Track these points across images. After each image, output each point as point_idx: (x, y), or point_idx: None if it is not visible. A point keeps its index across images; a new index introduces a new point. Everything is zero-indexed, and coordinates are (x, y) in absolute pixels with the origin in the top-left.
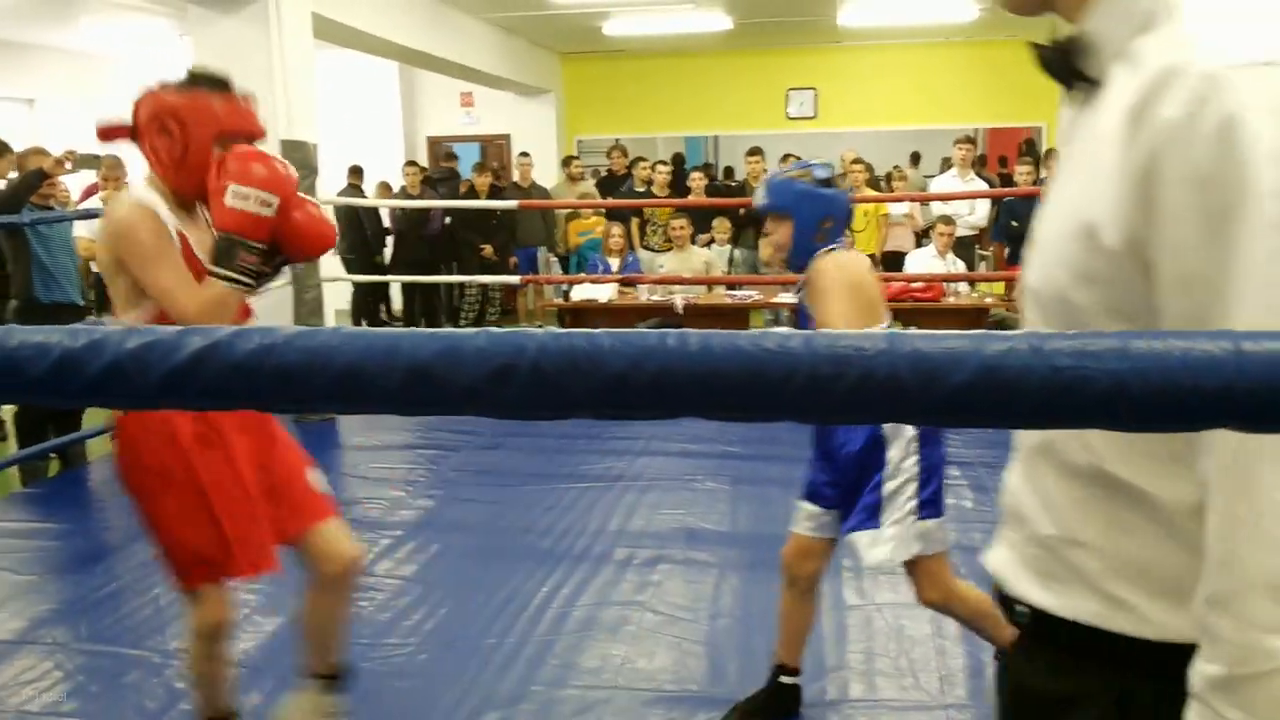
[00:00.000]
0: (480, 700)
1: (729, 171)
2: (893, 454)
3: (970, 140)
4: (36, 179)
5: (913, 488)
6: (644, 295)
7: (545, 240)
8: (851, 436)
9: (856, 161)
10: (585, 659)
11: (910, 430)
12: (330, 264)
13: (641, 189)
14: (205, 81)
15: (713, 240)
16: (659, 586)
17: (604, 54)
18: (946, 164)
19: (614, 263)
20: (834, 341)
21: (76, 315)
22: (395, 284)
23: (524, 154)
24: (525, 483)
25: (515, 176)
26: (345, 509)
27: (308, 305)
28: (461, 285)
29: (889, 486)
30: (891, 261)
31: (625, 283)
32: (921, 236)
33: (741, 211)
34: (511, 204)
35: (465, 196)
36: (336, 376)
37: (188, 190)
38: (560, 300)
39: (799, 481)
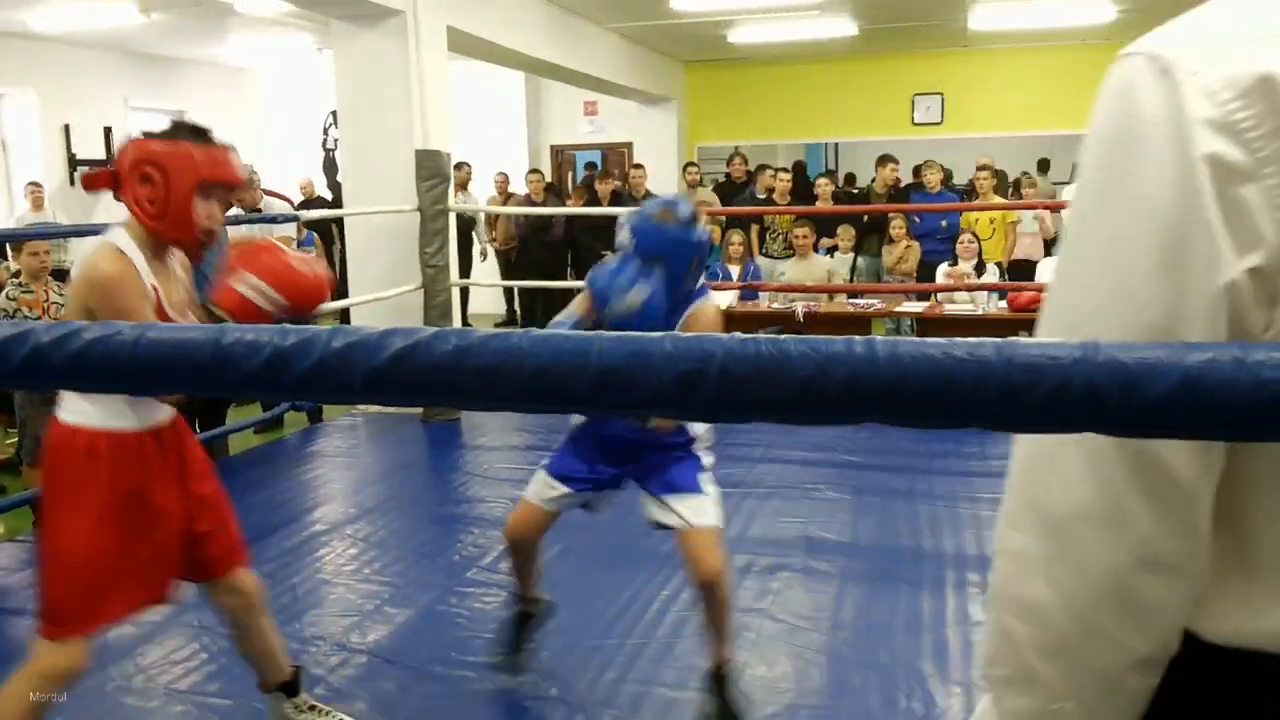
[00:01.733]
0: (601, 700)
1: (850, 178)
2: (701, 449)
3: None
4: None
5: (711, 459)
6: (764, 303)
7: None
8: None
9: (985, 168)
10: (705, 663)
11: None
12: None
13: (763, 196)
14: (187, 131)
15: (835, 248)
16: (779, 595)
17: (727, 61)
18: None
19: (734, 270)
20: (1027, 350)
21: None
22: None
23: (637, 165)
24: None
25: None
26: (468, 507)
27: (438, 308)
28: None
29: (705, 458)
30: (1020, 270)
31: (745, 290)
32: (1051, 245)
33: (866, 218)
34: (630, 210)
35: (588, 204)
36: (528, 377)
37: (166, 237)
38: None
39: (923, 494)
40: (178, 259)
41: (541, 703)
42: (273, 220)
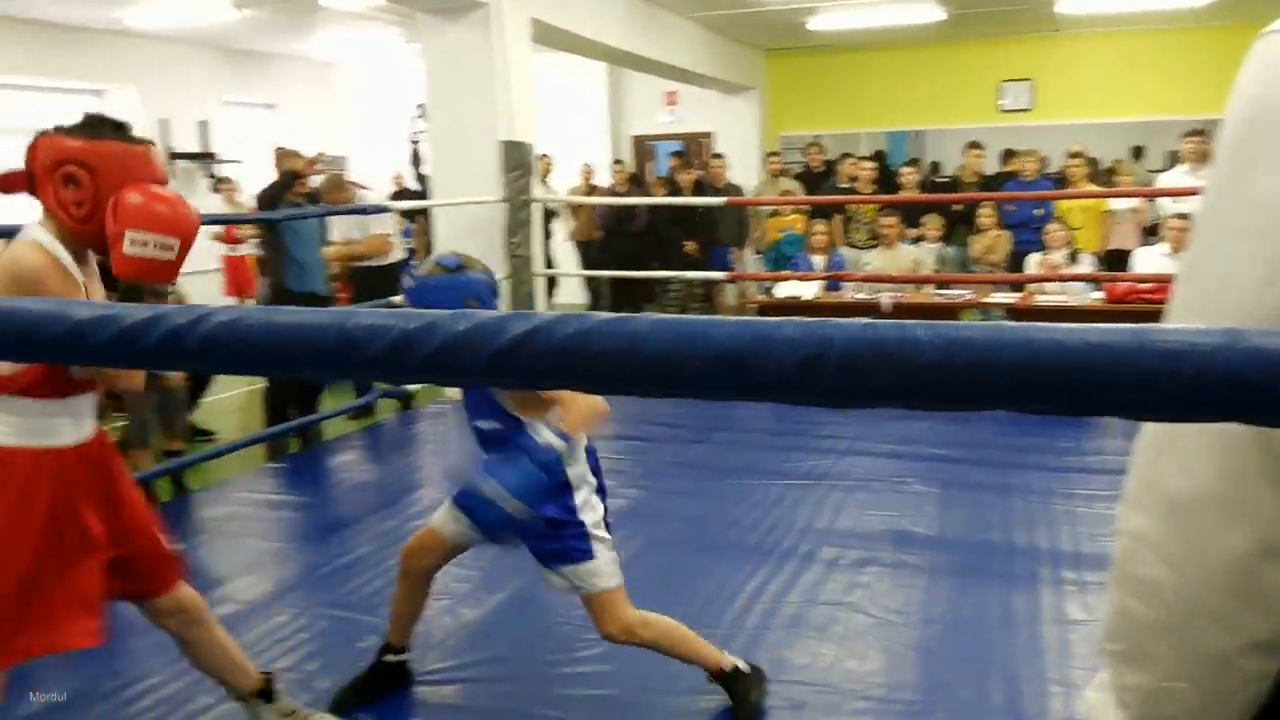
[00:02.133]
0: (689, 690)
1: (934, 167)
2: (581, 498)
3: (1201, 133)
4: (290, 179)
5: (600, 513)
6: (849, 293)
7: (737, 239)
8: (531, 462)
9: (1077, 155)
10: (794, 656)
11: (582, 454)
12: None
13: (846, 185)
14: (109, 127)
15: (921, 238)
16: (868, 588)
17: (809, 49)
18: (1173, 158)
19: (818, 260)
20: (1165, 336)
21: (320, 304)
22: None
23: (717, 155)
24: (730, 477)
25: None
26: None
27: (522, 298)
28: (664, 281)
29: (587, 516)
30: (1115, 260)
31: (831, 280)
32: (1148, 233)
33: (954, 208)
34: (719, 201)
35: (670, 194)
36: (649, 362)
37: (92, 240)
38: (763, 297)
39: (1016, 488)
40: (93, 256)
41: (627, 689)
42: (365, 212)
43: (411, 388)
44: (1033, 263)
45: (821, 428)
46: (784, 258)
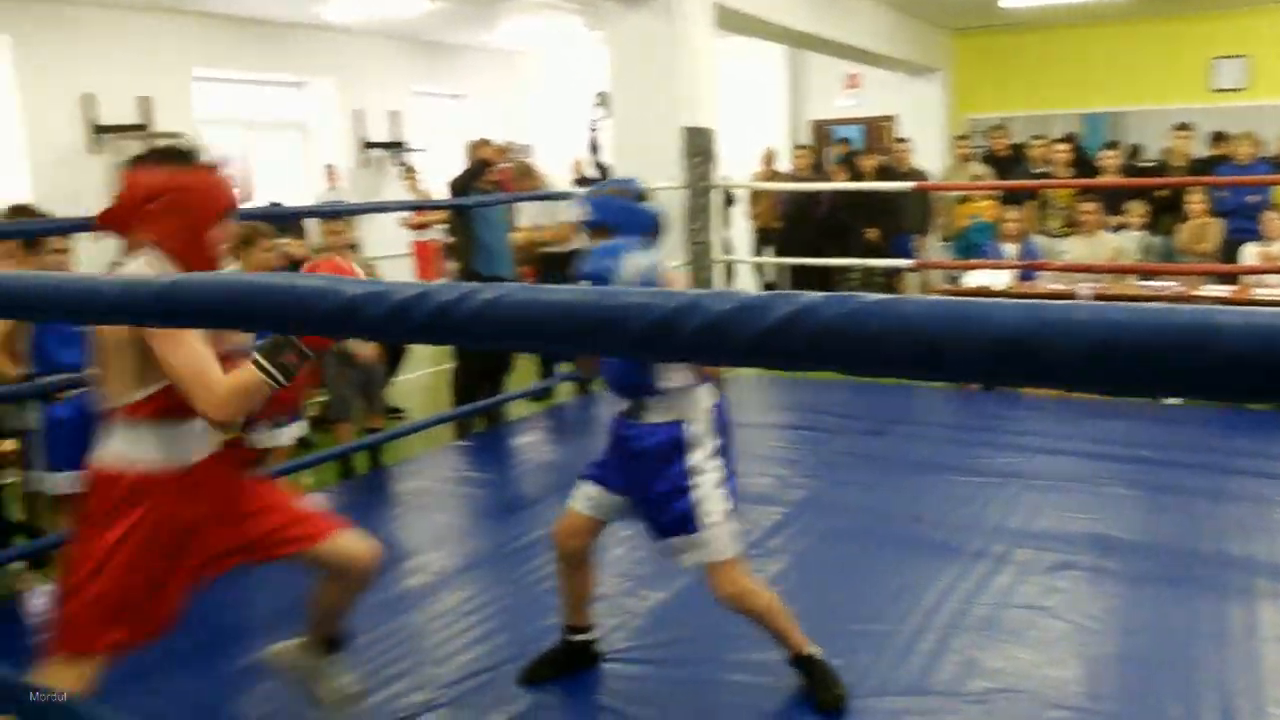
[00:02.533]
0: (875, 687)
1: (1134, 150)
2: (696, 459)
3: None
4: (480, 167)
5: (723, 490)
6: (1043, 283)
7: (921, 226)
8: (650, 435)
9: None
10: (987, 659)
11: (710, 436)
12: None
13: (1040, 169)
14: (179, 156)
15: (1123, 225)
16: (1066, 594)
17: (999, 28)
18: None
19: (1010, 248)
20: None
21: None
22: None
23: (901, 139)
24: (914, 471)
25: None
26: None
27: (702, 285)
28: (843, 269)
29: (698, 492)
30: None
31: (1025, 269)
32: None
33: (1159, 193)
34: (907, 185)
35: (853, 179)
36: (925, 344)
37: (196, 268)
38: (949, 287)
39: (1230, 494)
40: None
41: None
42: (550, 198)
43: None
44: (1249, 253)
45: (1012, 423)
46: (972, 246)
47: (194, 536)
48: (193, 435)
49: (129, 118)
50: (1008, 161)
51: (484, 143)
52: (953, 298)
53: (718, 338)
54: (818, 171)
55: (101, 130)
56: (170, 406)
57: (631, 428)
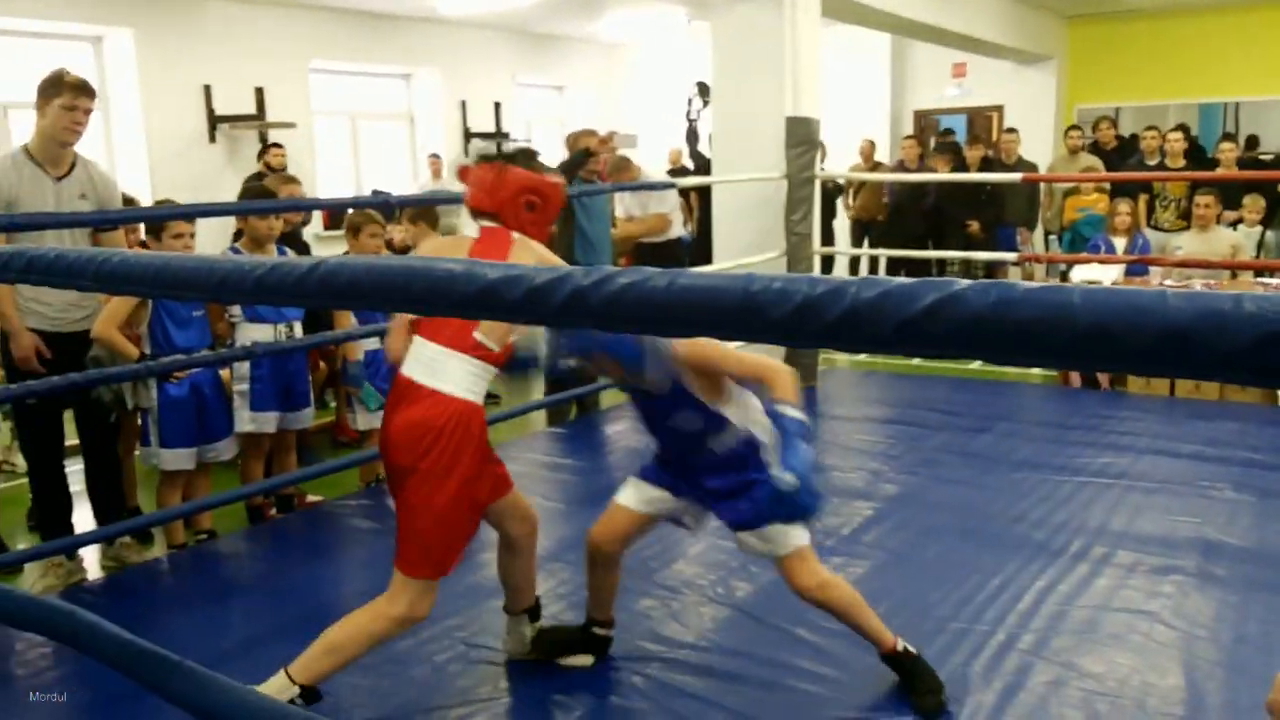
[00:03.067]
0: (974, 684)
1: (1252, 141)
2: (764, 456)
3: None
4: (583, 156)
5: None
6: (1155, 279)
7: (1026, 219)
8: (727, 436)
9: None
10: (1087, 662)
11: (770, 433)
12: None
13: (1153, 161)
14: (533, 159)
15: (1240, 220)
16: (1170, 599)
17: (1115, 15)
18: None
19: (1119, 242)
20: None
21: None
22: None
23: (1010, 130)
24: (1015, 470)
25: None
26: (823, 476)
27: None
28: (942, 262)
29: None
30: None
31: (1135, 265)
32: None
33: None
34: (1014, 177)
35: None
36: (1080, 333)
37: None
38: (1056, 281)
39: None
40: None
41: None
42: (652, 188)
43: None
44: None
45: (1117, 423)
46: (1081, 239)
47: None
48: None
49: (245, 108)
50: (1118, 153)
51: (588, 133)
52: (1112, 288)
53: (862, 324)
54: (925, 162)
55: (218, 120)
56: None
57: (696, 448)
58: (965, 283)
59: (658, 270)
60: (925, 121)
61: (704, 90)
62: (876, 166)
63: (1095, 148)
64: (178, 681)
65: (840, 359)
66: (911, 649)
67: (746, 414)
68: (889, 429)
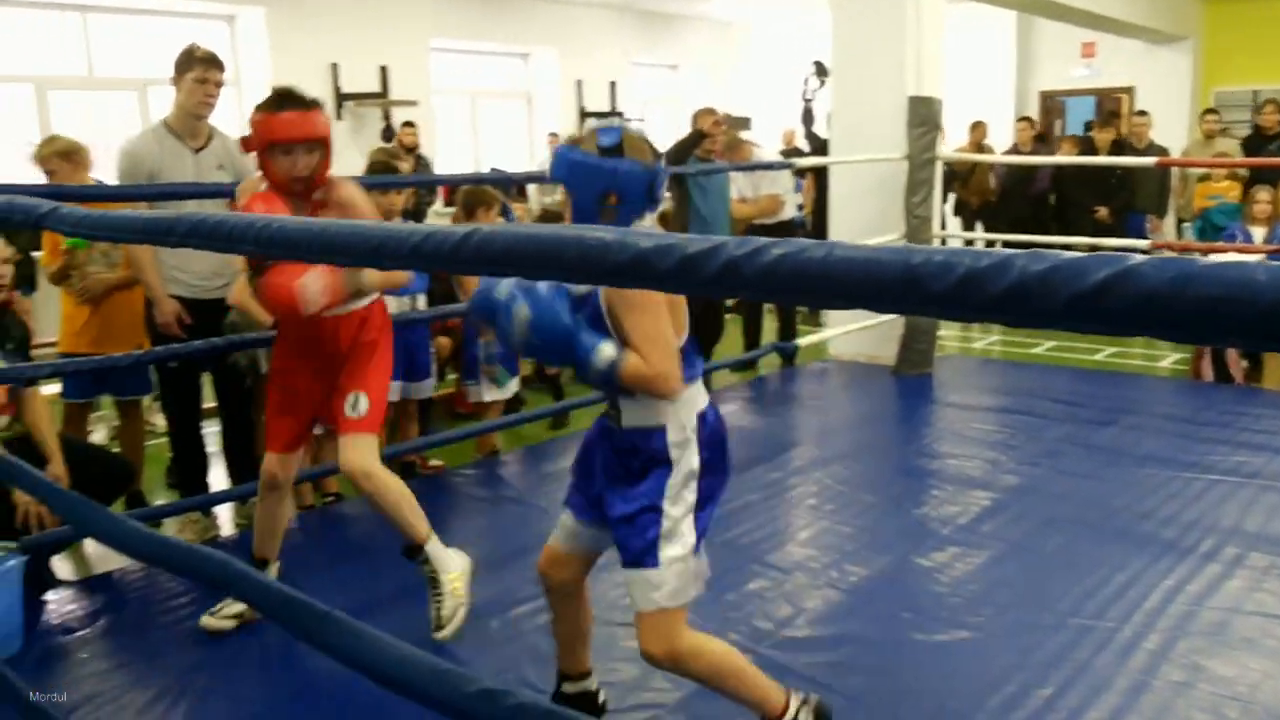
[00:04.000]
0: (1095, 684)
1: None
2: (674, 481)
3: None
4: (698, 137)
5: (689, 521)
6: None
7: (1157, 206)
8: (624, 440)
9: None
10: (1216, 666)
11: (694, 458)
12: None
13: None
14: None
15: None
16: None
17: None
18: None
19: (1258, 232)
20: None
21: None
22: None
23: (1140, 112)
24: (1142, 465)
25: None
26: (939, 463)
27: None
28: (1066, 248)
29: (668, 522)
30: None
31: (1275, 255)
32: None
33: None
34: (1148, 161)
35: (1084, 154)
36: (1263, 311)
37: None
38: None
39: None
40: None
41: (1024, 671)
42: (768, 168)
43: (799, 344)
44: None
45: (1251, 420)
46: (1213, 228)
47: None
48: None
49: (369, 86)
50: (1262, 140)
51: (708, 112)
52: None
53: (1028, 298)
54: (1041, 145)
55: (344, 98)
56: None
57: (608, 431)
58: (1139, 257)
59: (812, 242)
60: (1050, 103)
61: (821, 69)
62: (982, 149)
63: (1255, 133)
64: (327, 630)
65: (956, 346)
66: (805, 715)
67: (669, 410)
68: (1008, 418)
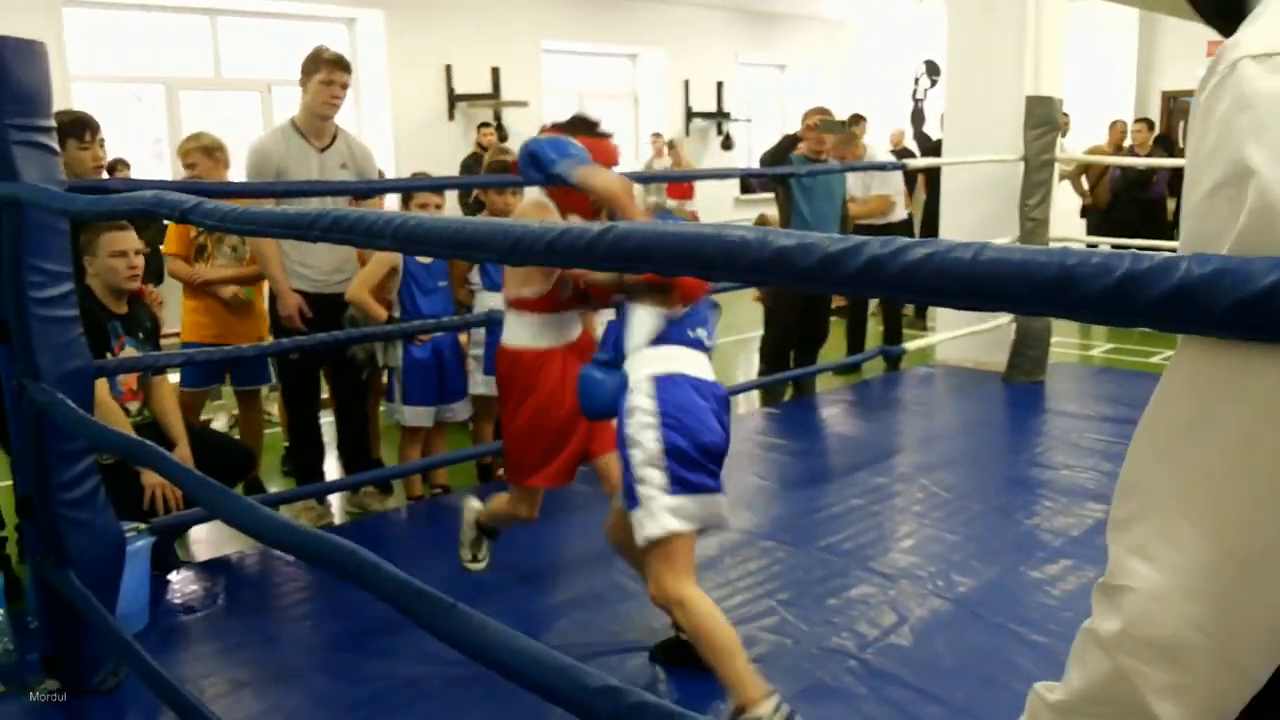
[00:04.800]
0: None
1: None
2: (630, 430)
3: None
4: (791, 141)
5: (655, 466)
6: None
7: None
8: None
9: None
10: None
11: (649, 403)
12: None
13: None
14: (585, 125)
15: None
16: None
17: None
18: None
19: None
20: None
21: None
22: None
23: None
24: None
25: None
26: (1051, 473)
27: None
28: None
29: (635, 467)
30: None
31: None
32: None
33: None
34: None
35: None
36: None
37: (573, 210)
38: None
39: None
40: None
41: None
42: (879, 168)
43: (906, 347)
44: None
45: None
46: None
47: (562, 400)
48: (563, 324)
49: (481, 87)
50: None
51: (814, 112)
52: None
53: (1193, 302)
54: (1162, 147)
55: (457, 99)
56: (546, 301)
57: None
58: None
59: (956, 243)
60: (1174, 104)
61: (932, 69)
62: (1120, 151)
63: None
64: (454, 622)
65: (1069, 354)
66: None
67: (633, 365)
68: (1123, 429)
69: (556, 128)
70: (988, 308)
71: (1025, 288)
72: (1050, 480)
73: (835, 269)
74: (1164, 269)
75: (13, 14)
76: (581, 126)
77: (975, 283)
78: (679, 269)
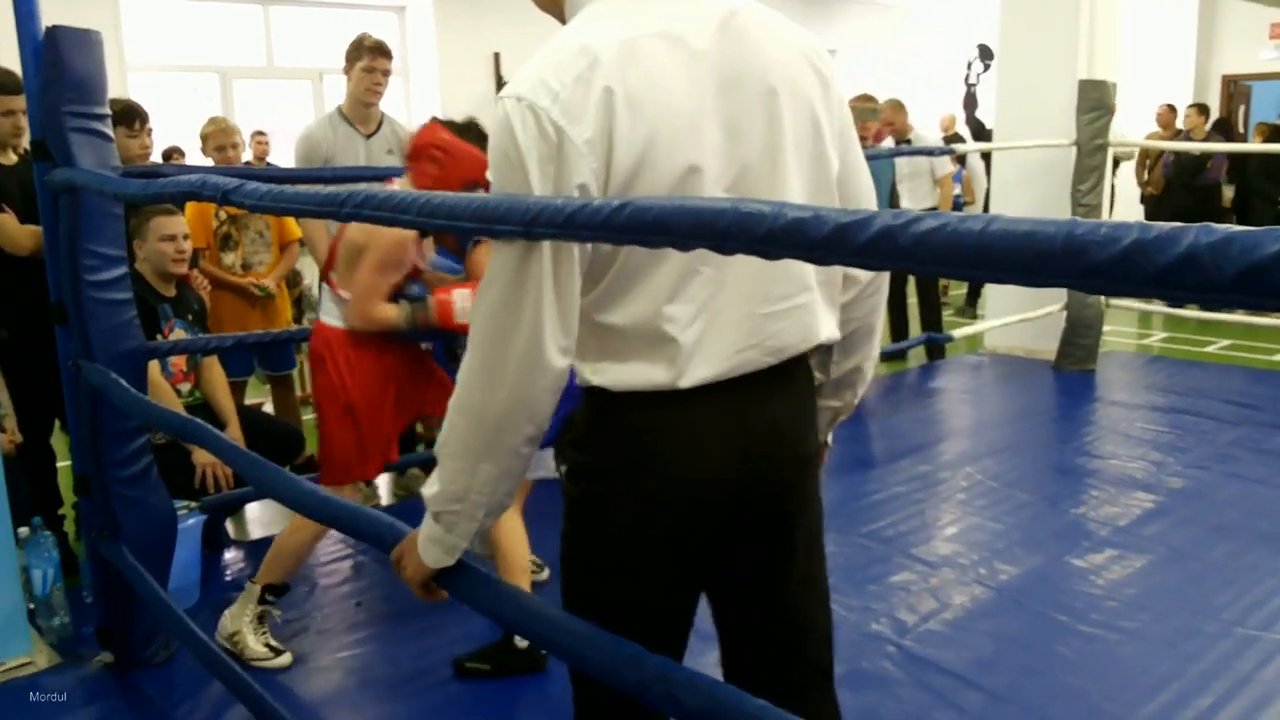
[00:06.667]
0: (1261, 693)
1: None
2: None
3: None
4: None
5: None
6: None
7: None
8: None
9: None
10: None
11: None
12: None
13: None
14: (473, 132)
15: None
16: None
17: None
18: None
19: None
20: None
21: None
22: None
23: None
24: None
25: None
26: (1099, 462)
27: None
28: None
29: None
30: None
31: None
32: None
33: None
34: None
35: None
36: None
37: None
38: None
39: None
40: None
41: (1182, 679)
42: (927, 153)
43: (954, 335)
44: None
45: None
46: None
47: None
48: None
49: None
50: None
51: (862, 98)
52: None
53: (1199, 270)
54: (1221, 133)
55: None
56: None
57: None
58: None
59: (970, 215)
60: (1235, 88)
61: (985, 53)
62: (1174, 136)
63: None
64: (498, 597)
65: (1122, 342)
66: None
67: None
68: (1175, 419)
69: (451, 128)
70: (998, 278)
71: (1033, 256)
72: (1098, 469)
73: (847, 239)
74: (1171, 238)
75: (71, 4)
76: (471, 134)
77: (984, 252)
78: (695, 240)
